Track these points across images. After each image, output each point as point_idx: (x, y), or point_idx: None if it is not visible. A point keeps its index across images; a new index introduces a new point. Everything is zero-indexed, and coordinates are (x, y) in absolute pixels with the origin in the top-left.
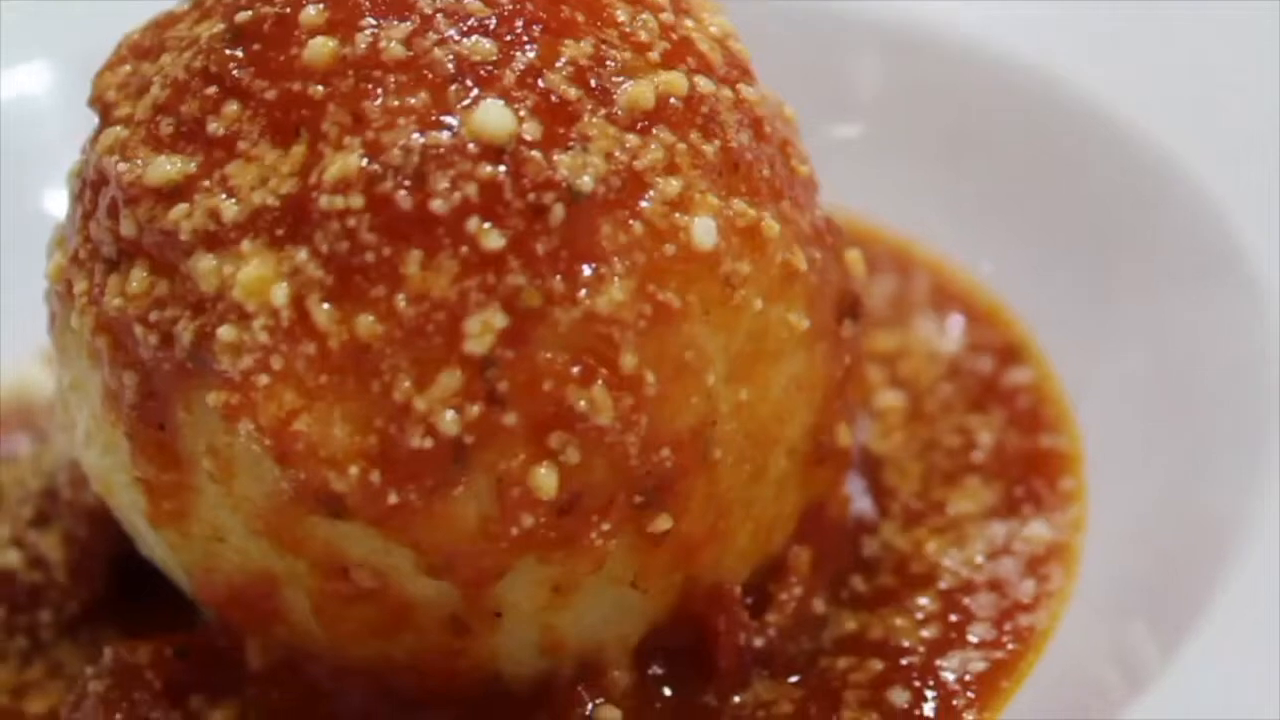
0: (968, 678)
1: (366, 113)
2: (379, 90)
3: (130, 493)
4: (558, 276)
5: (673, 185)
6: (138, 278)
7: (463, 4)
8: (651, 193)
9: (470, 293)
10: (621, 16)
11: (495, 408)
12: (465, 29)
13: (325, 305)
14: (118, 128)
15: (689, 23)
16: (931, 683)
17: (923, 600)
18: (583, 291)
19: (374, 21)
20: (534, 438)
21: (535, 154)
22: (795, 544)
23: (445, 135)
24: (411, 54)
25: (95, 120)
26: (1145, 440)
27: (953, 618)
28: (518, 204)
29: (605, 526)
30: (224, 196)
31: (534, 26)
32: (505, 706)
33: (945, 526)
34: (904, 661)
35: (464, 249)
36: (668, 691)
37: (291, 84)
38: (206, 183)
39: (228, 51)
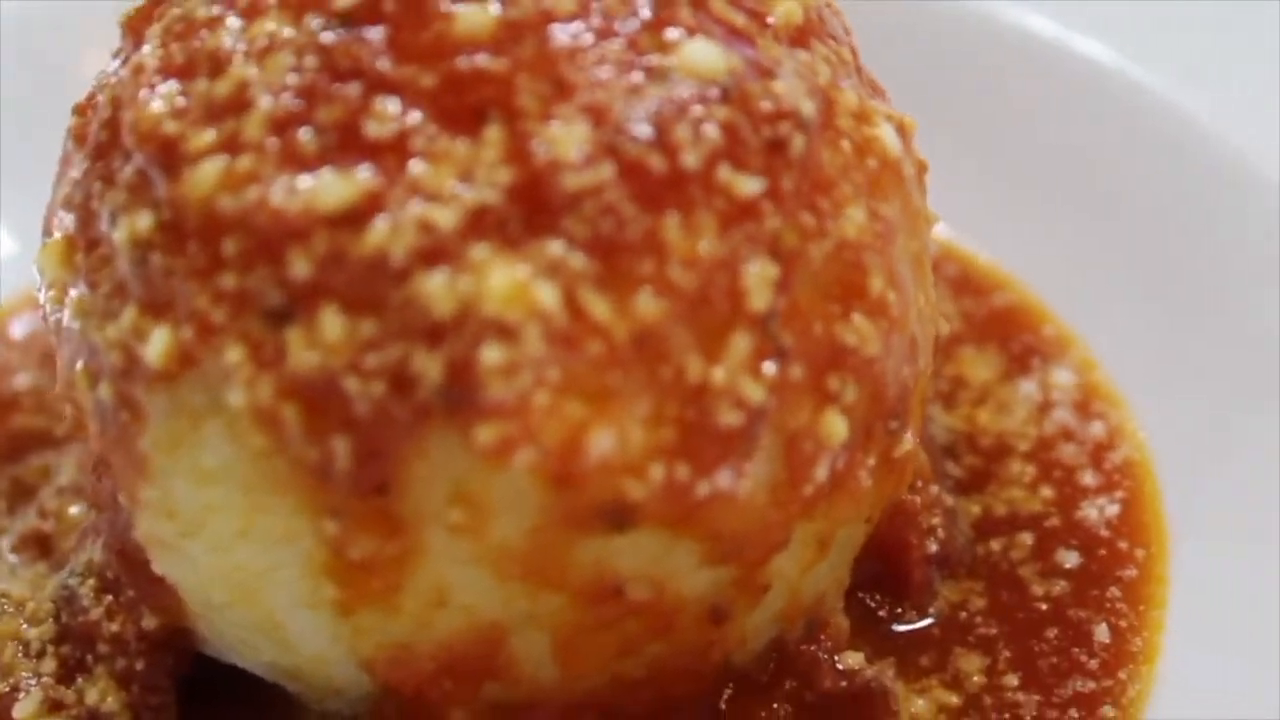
0: (1114, 521)
1: (567, 76)
2: (568, 50)
3: (300, 587)
4: (805, 211)
5: (848, 97)
6: (331, 323)
7: None
8: (838, 108)
9: (739, 246)
10: None
11: (785, 362)
12: None
13: (599, 295)
14: (218, 159)
15: None
16: (1086, 536)
17: (1015, 468)
18: (830, 222)
19: None
20: (816, 385)
21: (755, 87)
22: None
23: (669, 84)
24: (581, 5)
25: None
26: (1110, 271)
27: (1055, 474)
28: (755, 142)
29: (871, 462)
30: (426, 203)
31: None
32: (744, 694)
33: (980, 397)
34: (1047, 525)
35: (719, 201)
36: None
37: (456, 63)
38: (396, 193)
39: (353, 40)
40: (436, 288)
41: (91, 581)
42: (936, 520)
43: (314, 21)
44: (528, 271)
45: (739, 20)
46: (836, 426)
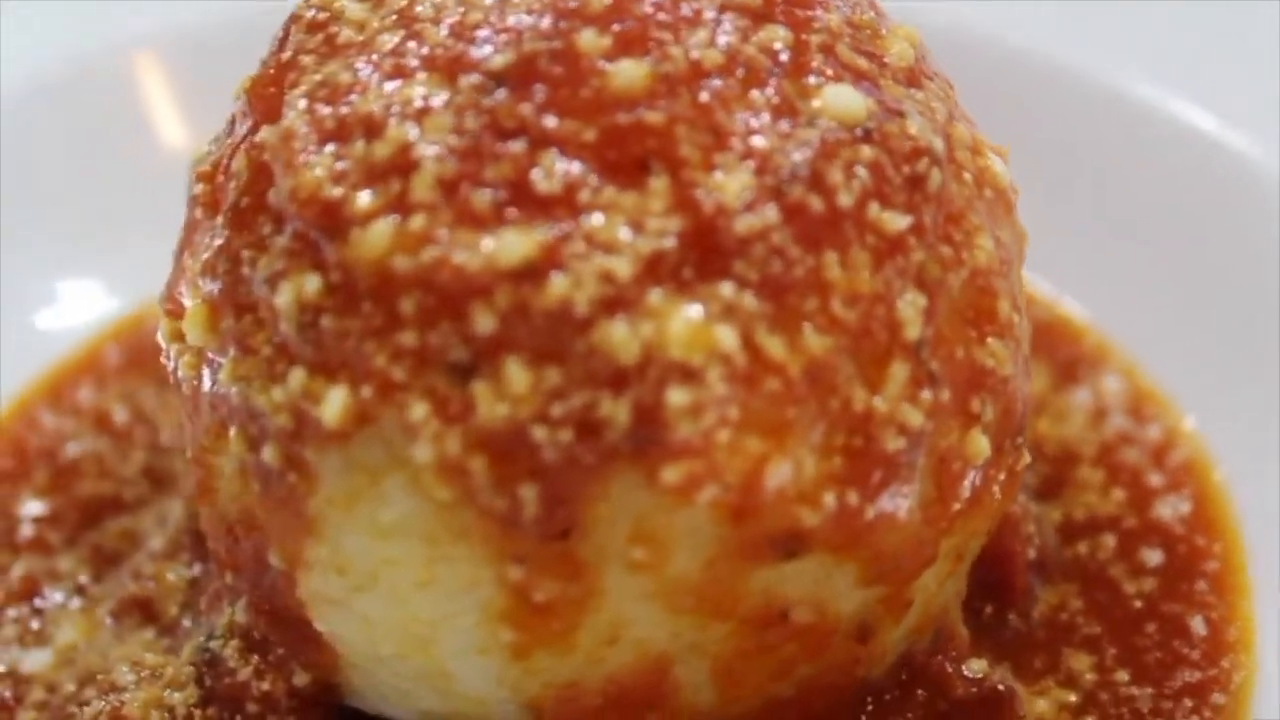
0: (1188, 518)
1: (723, 125)
2: (721, 101)
3: (475, 634)
4: (943, 243)
5: (962, 131)
6: (517, 375)
7: None
8: (955, 142)
9: (892, 280)
10: None
11: (937, 388)
12: (747, 22)
13: (772, 334)
14: (388, 220)
15: None
16: (1164, 534)
17: (1084, 473)
18: (964, 251)
19: (665, 34)
20: (962, 407)
21: (893, 126)
22: None
23: (817, 128)
24: (727, 56)
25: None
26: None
27: (1123, 477)
28: (898, 179)
29: (1002, 476)
30: (603, 255)
31: (795, 9)
32: (880, 707)
33: (1039, 408)
34: (1125, 526)
35: (870, 237)
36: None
37: (615, 117)
38: (573, 246)
39: (514, 99)
40: (620, 335)
41: (235, 642)
42: (1031, 528)
43: (468, 82)
44: (705, 315)
45: (862, 64)
46: (981, 445)
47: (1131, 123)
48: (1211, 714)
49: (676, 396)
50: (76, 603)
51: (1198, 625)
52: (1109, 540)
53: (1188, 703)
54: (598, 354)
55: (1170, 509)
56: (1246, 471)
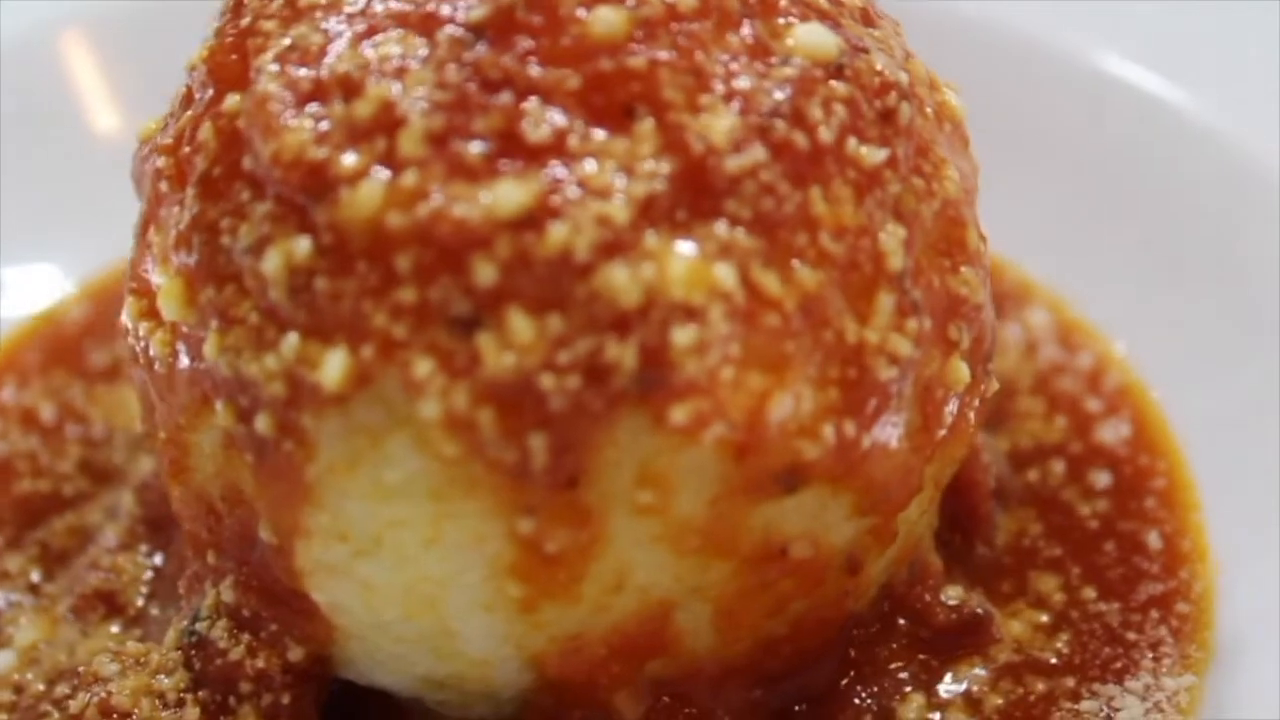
0: (1130, 440)
1: (705, 68)
2: (700, 43)
3: (482, 590)
4: (915, 175)
5: (918, 67)
6: (521, 325)
7: None
8: (914, 78)
9: (873, 212)
10: None
11: (921, 316)
12: None
13: (767, 270)
14: (378, 178)
15: None
16: (1109, 457)
17: (1025, 404)
18: (934, 183)
19: None
20: (941, 335)
21: (861, 63)
22: None
23: (793, 67)
24: None
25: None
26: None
27: (1063, 405)
28: (871, 114)
29: (977, 403)
30: (598, 200)
31: None
32: (865, 639)
33: None
34: (1071, 451)
35: (850, 172)
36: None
37: (598, 63)
38: (569, 193)
39: (497, 50)
40: (621, 278)
41: (223, 623)
42: (988, 458)
43: (446, 36)
44: (703, 254)
45: (823, 3)
46: (961, 372)
47: (1031, 62)
48: (1178, 622)
49: (681, 336)
50: (31, 601)
51: (1153, 540)
52: (1058, 466)
53: (1155, 613)
54: (600, 299)
55: (1112, 432)
56: (1180, 390)
